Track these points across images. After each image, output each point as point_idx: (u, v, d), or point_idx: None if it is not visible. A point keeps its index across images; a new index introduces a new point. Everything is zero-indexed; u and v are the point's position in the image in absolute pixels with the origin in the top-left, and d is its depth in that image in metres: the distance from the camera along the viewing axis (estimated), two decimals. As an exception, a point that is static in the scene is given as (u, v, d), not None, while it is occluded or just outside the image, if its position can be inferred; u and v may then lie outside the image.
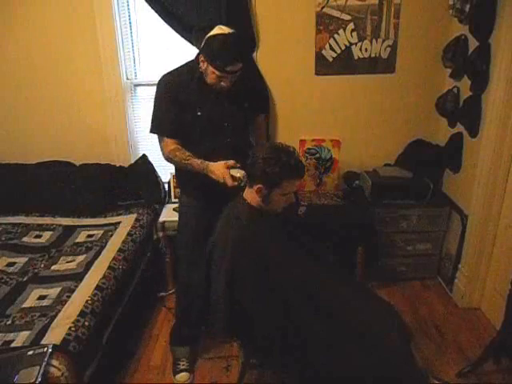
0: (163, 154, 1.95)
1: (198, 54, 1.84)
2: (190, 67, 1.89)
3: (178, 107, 1.85)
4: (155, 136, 1.98)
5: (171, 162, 1.94)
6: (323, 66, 2.71)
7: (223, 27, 1.79)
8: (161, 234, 2.70)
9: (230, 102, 1.89)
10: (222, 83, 1.80)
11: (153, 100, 1.92)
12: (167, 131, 1.90)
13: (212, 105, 1.87)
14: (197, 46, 1.87)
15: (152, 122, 1.93)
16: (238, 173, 1.71)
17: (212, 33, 1.77)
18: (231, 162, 1.75)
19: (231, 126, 1.94)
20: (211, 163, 1.78)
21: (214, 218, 1.78)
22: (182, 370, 2.15)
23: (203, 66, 1.79)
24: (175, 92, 1.85)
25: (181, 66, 1.93)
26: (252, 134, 2.13)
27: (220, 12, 2.45)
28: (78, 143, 2.92)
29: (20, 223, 2.67)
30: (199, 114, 1.86)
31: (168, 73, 1.91)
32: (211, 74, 1.78)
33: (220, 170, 1.73)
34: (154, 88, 1.89)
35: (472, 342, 2.30)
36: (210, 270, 1.70)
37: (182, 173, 2.02)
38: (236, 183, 1.70)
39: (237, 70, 1.79)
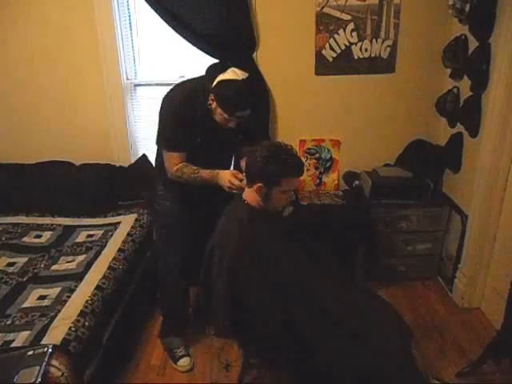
0: (169, 172, 1.98)
1: (206, 88, 1.86)
2: (196, 93, 1.91)
3: (185, 129, 1.91)
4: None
5: (178, 179, 1.97)
6: (323, 66, 2.70)
7: (237, 71, 1.83)
8: (161, 233, 2.69)
9: (227, 134, 1.96)
10: (229, 124, 1.88)
11: (161, 113, 1.95)
12: (181, 147, 1.94)
13: (211, 135, 1.94)
14: (207, 82, 1.87)
15: (166, 139, 1.96)
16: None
17: (225, 76, 1.81)
18: (239, 174, 1.85)
19: (221, 154, 2.10)
20: (220, 171, 1.88)
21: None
22: (182, 356, 2.21)
23: (212, 104, 1.85)
24: (185, 116, 1.89)
25: (188, 88, 1.95)
26: (241, 159, 2.12)
27: (220, 12, 2.45)
28: (77, 143, 2.92)
29: (20, 223, 2.67)
30: (198, 140, 1.94)
31: (180, 93, 1.94)
32: (219, 114, 1.85)
33: (228, 176, 1.83)
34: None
35: (472, 342, 2.30)
36: (210, 270, 1.70)
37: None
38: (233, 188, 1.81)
39: (245, 116, 1.86)
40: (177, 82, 2.03)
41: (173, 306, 2.28)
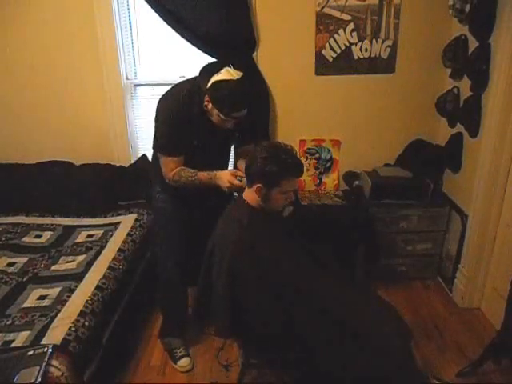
0: (166, 178, 1.97)
1: (201, 89, 1.83)
2: (192, 95, 1.88)
3: (181, 133, 1.90)
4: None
5: (175, 184, 1.96)
6: (323, 66, 2.70)
7: (231, 70, 1.80)
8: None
9: (224, 134, 1.96)
10: (226, 124, 1.87)
11: (157, 118, 1.94)
12: (177, 152, 1.93)
13: (207, 136, 1.93)
14: (202, 83, 1.84)
15: (162, 144, 1.95)
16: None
17: (220, 77, 1.78)
18: (238, 172, 1.86)
19: (219, 154, 2.11)
20: (219, 172, 1.89)
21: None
22: (182, 356, 2.21)
23: (208, 105, 1.83)
24: (181, 119, 1.88)
25: (183, 90, 1.91)
26: (238, 159, 2.11)
27: (220, 12, 2.45)
28: (77, 143, 2.92)
29: (20, 223, 2.67)
30: (195, 143, 1.93)
31: (175, 96, 1.91)
32: (216, 115, 1.83)
33: (227, 176, 1.84)
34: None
35: (472, 342, 2.30)
36: (210, 270, 1.70)
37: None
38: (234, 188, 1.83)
39: (242, 115, 1.84)
40: (175, 83, 2.00)
41: (171, 307, 2.28)
